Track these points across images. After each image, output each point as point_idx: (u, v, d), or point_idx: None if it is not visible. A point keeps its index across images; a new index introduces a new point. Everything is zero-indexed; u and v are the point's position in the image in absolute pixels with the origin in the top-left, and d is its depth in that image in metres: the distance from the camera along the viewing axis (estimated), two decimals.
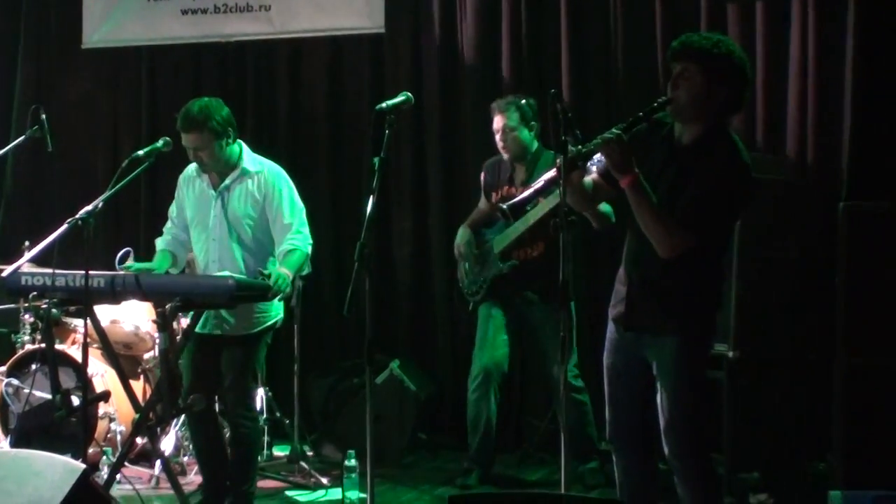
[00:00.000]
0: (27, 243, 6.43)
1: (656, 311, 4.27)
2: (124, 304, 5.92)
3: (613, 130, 4.13)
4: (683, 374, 4.24)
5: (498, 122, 6.24)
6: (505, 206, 4.35)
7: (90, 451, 5.93)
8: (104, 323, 5.58)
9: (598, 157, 4.24)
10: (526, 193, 4.42)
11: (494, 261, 6.23)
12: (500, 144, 6.27)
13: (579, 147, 4.13)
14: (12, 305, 6.66)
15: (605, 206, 5.73)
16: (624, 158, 4.10)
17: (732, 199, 4.17)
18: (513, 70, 7.34)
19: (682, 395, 4.25)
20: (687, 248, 4.12)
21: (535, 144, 6.23)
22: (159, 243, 5.60)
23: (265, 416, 6.58)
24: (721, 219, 4.19)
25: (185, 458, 6.40)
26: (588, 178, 4.39)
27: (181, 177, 5.59)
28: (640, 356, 4.36)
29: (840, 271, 5.02)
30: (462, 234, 6.39)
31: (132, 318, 6.49)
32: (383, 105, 4.51)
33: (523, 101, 6.20)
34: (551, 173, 4.24)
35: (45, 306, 5.12)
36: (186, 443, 6.41)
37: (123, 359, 6.33)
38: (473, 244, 6.34)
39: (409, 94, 4.62)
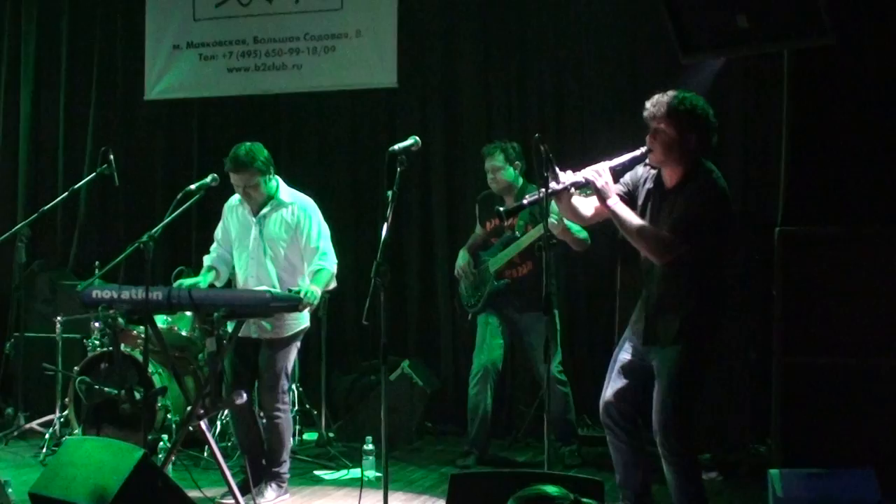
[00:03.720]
0: (97, 263, 6.45)
1: (667, 327, 4.24)
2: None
3: (605, 164, 4.21)
4: (679, 378, 4.20)
5: (487, 163, 6.28)
6: (501, 210, 4.41)
7: (149, 437, 5.95)
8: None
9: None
10: (521, 202, 4.50)
11: (490, 279, 6.24)
12: (490, 181, 6.31)
13: (569, 174, 4.20)
14: (85, 315, 6.66)
15: (582, 233, 5.77)
16: (606, 186, 4.18)
17: (712, 216, 4.17)
18: (503, 118, 7.39)
19: (675, 396, 4.20)
20: (676, 252, 4.14)
21: (521, 181, 6.25)
22: (206, 260, 5.61)
23: (296, 407, 6.57)
24: (703, 229, 4.15)
25: (229, 444, 6.40)
26: (585, 203, 4.40)
27: (226, 205, 5.60)
28: (647, 361, 4.33)
29: (777, 285, 5.03)
30: (462, 257, 6.41)
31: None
32: (395, 147, 4.52)
33: (507, 145, 6.24)
34: (536, 195, 4.27)
35: (111, 315, 5.14)
36: (230, 430, 6.40)
37: (177, 360, 6.35)
38: (472, 264, 6.36)
39: (417, 137, 4.64)
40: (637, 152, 4.26)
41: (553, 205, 4.48)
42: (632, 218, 4.20)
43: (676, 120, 4.18)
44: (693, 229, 4.14)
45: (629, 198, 4.38)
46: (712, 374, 5.68)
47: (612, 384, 4.44)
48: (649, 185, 4.36)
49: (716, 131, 4.29)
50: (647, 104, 4.27)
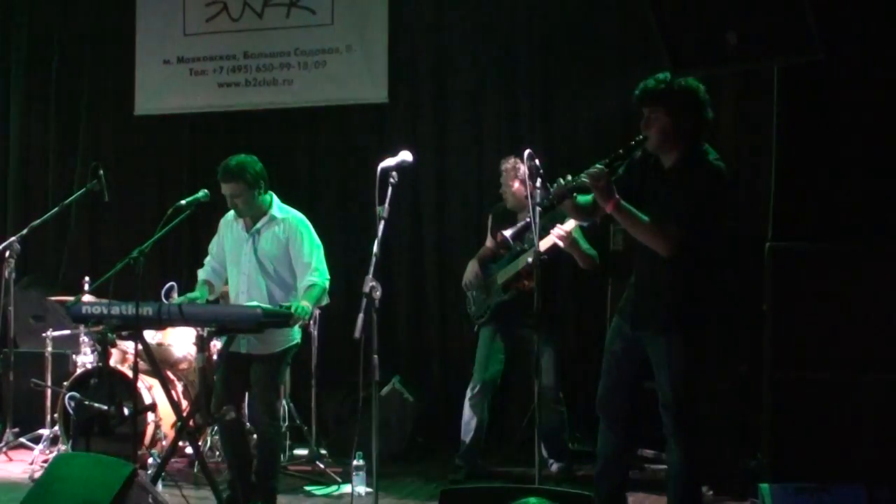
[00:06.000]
0: (87, 278, 6.44)
1: (654, 312, 4.24)
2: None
3: (597, 165, 4.17)
4: (675, 367, 4.21)
5: (502, 177, 6.27)
6: (507, 235, 4.39)
7: (139, 452, 5.94)
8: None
9: None
10: (519, 225, 4.50)
11: (498, 290, 6.22)
12: (504, 195, 6.30)
13: (569, 179, 4.17)
14: (74, 331, 6.65)
15: (590, 250, 5.80)
16: (606, 188, 4.12)
17: (715, 204, 4.19)
18: (494, 134, 7.42)
19: (674, 384, 4.22)
20: (681, 242, 4.11)
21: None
22: (200, 274, 5.61)
23: (287, 423, 6.56)
24: (705, 216, 4.15)
25: (219, 459, 6.39)
26: (587, 196, 4.38)
27: (222, 220, 5.59)
28: (639, 349, 4.32)
29: (767, 299, 5.04)
30: (471, 268, 6.38)
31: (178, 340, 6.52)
32: (386, 163, 4.55)
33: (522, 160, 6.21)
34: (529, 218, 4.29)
35: (101, 331, 5.13)
36: (219, 446, 6.39)
37: (167, 375, 6.33)
38: (480, 276, 6.34)
39: (408, 153, 4.66)
40: (632, 142, 4.23)
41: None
42: (637, 216, 4.15)
43: (670, 104, 4.16)
44: (697, 220, 4.12)
45: (628, 187, 4.32)
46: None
47: (608, 377, 4.45)
48: (645, 167, 4.34)
49: (709, 110, 4.26)
50: (636, 91, 4.25)
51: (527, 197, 6.10)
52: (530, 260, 5.98)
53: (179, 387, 6.49)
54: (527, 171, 4.39)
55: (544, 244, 5.80)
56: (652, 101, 4.18)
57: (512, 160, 6.23)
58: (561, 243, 5.64)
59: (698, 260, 4.23)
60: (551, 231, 5.60)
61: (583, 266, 5.90)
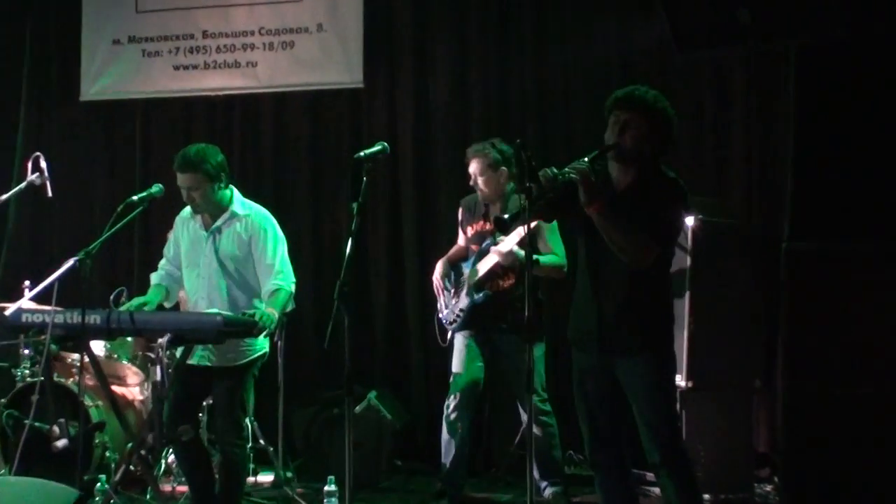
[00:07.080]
0: (27, 283, 6.38)
1: (626, 332, 4.32)
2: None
3: (584, 160, 4.22)
4: (657, 386, 4.32)
5: (471, 166, 6.21)
6: (505, 218, 4.34)
7: (85, 477, 5.86)
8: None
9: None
10: (514, 212, 4.46)
11: (470, 291, 6.17)
12: (474, 186, 6.23)
13: (555, 171, 4.17)
14: (13, 341, 6.58)
15: (552, 259, 5.81)
16: (595, 186, 4.20)
17: (679, 216, 4.46)
18: (481, 120, 7.39)
19: (658, 405, 4.33)
20: (653, 256, 4.24)
21: (510, 185, 6.15)
22: (154, 278, 5.56)
23: (251, 444, 6.50)
24: (674, 230, 4.44)
25: (175, 483, 6.32)
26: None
27: (177, 217, 5.55)
28: (610, 378, 4.38)
29: (783, 306, 5.03)
30: (440, 268, 6.34)
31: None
32: (361, 154, 4.52)
33: (494, 147, 6.15)
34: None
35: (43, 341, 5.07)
36: (176, 469, 6.33)
37: (117, 390, 6.27)
38: (451, 277, 6.30)
39: (384, 143, 4.63)
40: (606, 146, 4.34)
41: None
42: (620, 222, 4.22)
43: (649, 116, 4.31)
44: (669, 233, 4.36)
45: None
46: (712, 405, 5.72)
47: (590, 427, 4.48)
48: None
49: (675, 139, 4.45)
50: (620, 93, 4.38)
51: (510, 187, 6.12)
52: (504, 252, 5.98)
53: (130, 403, 6.42)
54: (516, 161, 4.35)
55: (517, 236, 5.77)
56: (637, 107, 4.33)
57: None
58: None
59: (663, 278, 4.42)
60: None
61: (547, 276, 5.90)
